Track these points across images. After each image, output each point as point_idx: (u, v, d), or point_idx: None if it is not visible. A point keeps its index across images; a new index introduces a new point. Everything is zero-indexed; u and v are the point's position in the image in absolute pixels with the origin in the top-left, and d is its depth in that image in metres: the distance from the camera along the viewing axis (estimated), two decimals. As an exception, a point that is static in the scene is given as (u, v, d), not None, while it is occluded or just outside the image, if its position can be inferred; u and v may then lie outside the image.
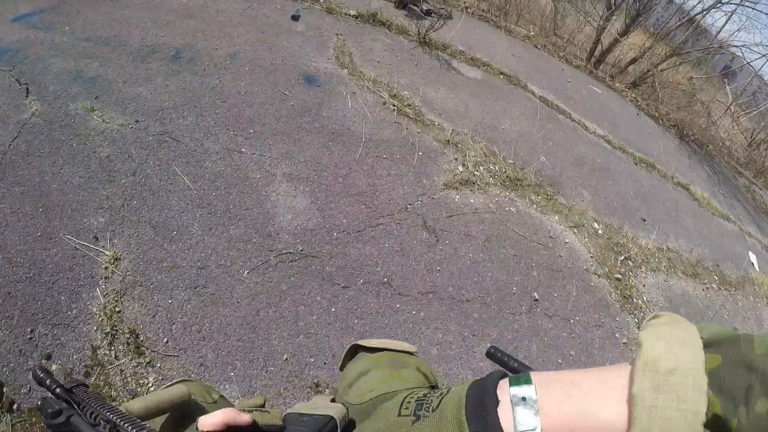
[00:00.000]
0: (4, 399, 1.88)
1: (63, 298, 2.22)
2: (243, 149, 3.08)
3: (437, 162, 3.58)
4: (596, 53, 8.01)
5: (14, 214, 2.46)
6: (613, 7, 7.97)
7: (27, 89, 3.12)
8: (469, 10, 6.49)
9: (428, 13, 5.66)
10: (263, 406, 0.65)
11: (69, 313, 2.19)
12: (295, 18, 4.56)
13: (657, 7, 9.04)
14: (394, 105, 3.86)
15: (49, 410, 0.64)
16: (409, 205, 3.16)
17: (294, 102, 3.54)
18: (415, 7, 5.61)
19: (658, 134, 6.78)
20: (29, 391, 1.94)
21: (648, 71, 8.24)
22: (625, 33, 8.12)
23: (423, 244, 2.96)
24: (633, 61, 8.50)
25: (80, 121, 2.97)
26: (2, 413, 1.83)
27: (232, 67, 3.69)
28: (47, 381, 0.68)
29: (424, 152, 3.59)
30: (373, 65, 4.31)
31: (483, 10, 6.87)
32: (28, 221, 2.44)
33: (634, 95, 7.61)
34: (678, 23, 8.56)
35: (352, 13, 4.97)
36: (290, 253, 2.65)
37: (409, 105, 3.96)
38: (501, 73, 5.21)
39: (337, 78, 3.93)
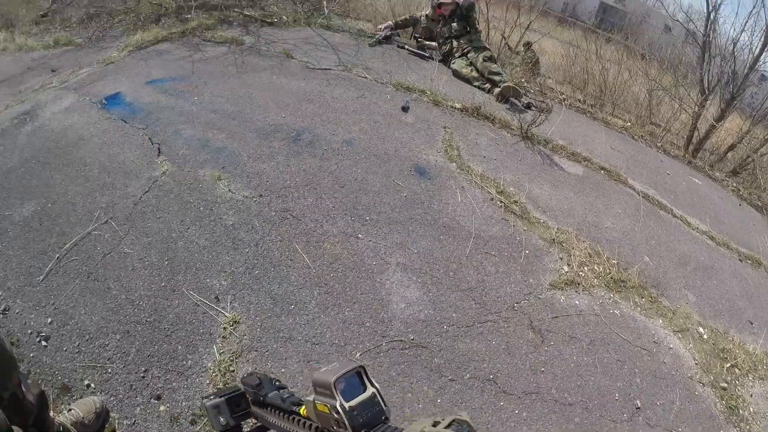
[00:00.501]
0: (108, 426, 2.09)
1: (180, 347, 2.43)
2: (360, 235, 3.34)
3: (543, 261, 3.72)
4: (694, 141, 7.90)
5: (141, 261, 2.74)
6: (707, 92, 7.90)
7: (159, 149, 3.48)
8: (566, 102, 6.72)
9: (528, 106, 5.92)
10: None
11: (184, 362, 2.39)
12: (405, 109, 4.93)
13: (751, 87, 8.82)
14: (501, 201, 4.08)
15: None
16: (516, 303, 3.31)
17: (407, 193, 3.81)
18: (516, 101, 5.90)
19: (763, 226, 6.48)
20: (133, 423, 2.13)
21: (747, 157, 7.98)
22: (721, 118, 7.98)
23: (529, 343, 3.08)
24: (731, 147, 8.27)
25: (207, 188, 3.29)
26: (103, 440, 2.03)
27: (349, 154, 4.00)
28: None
29: (530, 251, 3.75)
30: (479, 160, 4.58)
31: (579, 101, 7.08)
32: (153, 270, 2.72)
33: (735, 184, 7.37)
34: (773, 103, 8.32)
35: (458, 106, 5.33)
36: (402, 341, 2.81)
37: (515, 202, 4.16)
38: (602, 168, 5.31)
39: (447, 172, 4.21)
